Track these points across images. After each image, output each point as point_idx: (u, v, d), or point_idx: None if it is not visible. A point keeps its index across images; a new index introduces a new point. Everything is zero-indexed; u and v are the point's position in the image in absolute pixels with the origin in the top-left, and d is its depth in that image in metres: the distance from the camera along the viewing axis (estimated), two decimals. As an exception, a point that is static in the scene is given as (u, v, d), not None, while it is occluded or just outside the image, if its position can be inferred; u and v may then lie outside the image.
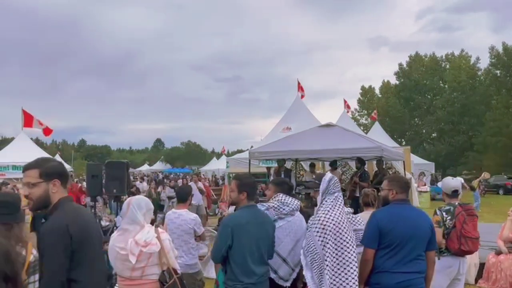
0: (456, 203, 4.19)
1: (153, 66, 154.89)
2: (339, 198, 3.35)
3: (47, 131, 17.01)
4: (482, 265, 6.29)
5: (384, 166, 9.65)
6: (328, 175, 3.45)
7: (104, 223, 10.75)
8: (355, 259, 3.17)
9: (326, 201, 3.33)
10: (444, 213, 4.13)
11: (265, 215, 3.37)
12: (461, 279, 4.19)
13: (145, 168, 60.33)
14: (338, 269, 3.10)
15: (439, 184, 5.30)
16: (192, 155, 78.47)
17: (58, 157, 40.31)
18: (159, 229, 3.00)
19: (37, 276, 3.01)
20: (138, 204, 2.95)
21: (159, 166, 61.69)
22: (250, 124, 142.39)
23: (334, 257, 3.12)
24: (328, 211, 3.25)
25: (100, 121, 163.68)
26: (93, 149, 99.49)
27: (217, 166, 36.98)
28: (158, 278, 2.89)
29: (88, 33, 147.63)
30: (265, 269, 3.24)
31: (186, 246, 4.39)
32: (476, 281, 6.23)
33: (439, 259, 4.01)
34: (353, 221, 3.80)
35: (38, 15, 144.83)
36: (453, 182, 4.36)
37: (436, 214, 4.16)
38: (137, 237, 2.83)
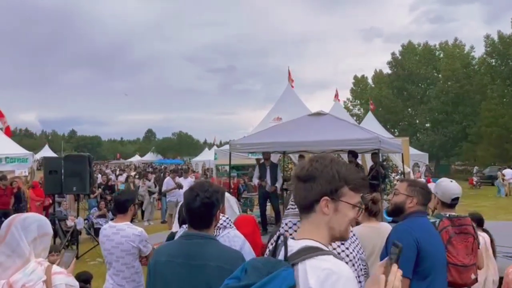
0: (447, 215, 3.03)
1: (145, 56, 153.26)
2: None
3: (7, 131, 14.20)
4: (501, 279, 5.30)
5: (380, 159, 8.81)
6: None
7: (70, 223, 9.81)
8: None
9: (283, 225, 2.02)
10: None
11: (215, 254, 1.94)
12: None
13: (136, 159, 59.55)
14: None
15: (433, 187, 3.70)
16: (183, 145, 77.45)
17: (47, 148, 38.91)
18: (54, 268, 1.94)
19: None
20: (25, 226, 1.91)
21: (150, 157, 60.87)
22: (243, 114, 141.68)
23: None
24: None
25: (91, 112, 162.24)
26: (83, 139, 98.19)
27: (208, 157, 36.09)
28: None
29: (79, 23, 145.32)
30: None
31: (128, 271, 3.36)
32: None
33: None
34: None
35: (29, 4, 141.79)
36: (455, 187, 3.12)
37: None
38: (14, 278, 1.84)
